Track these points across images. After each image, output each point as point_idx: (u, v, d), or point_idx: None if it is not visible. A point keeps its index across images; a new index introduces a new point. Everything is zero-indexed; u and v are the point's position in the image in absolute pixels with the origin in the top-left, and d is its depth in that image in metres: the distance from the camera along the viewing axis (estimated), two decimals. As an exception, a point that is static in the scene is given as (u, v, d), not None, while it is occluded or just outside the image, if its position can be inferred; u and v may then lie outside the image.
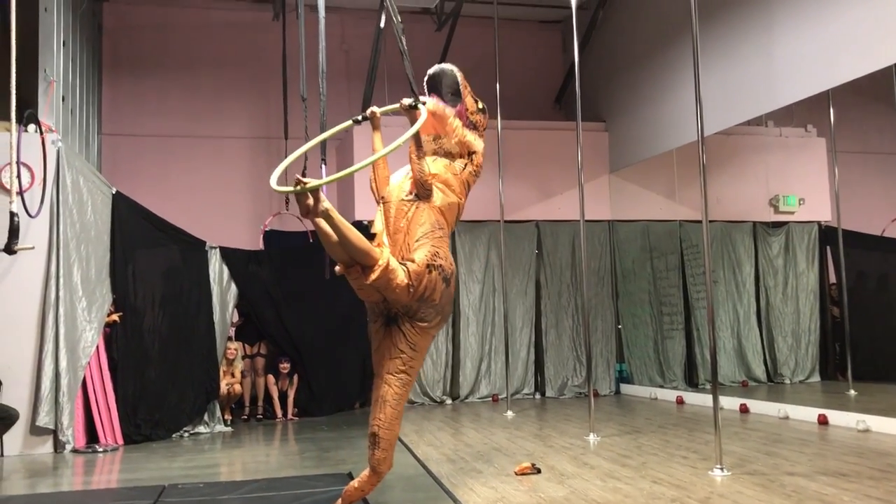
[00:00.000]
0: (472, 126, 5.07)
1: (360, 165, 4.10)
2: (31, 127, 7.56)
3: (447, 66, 5.13)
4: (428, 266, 4.43)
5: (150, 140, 11.49)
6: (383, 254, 4.31)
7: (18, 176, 6.93)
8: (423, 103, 4.79)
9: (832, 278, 11.40)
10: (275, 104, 11.50)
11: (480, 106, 5.16)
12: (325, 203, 4.07)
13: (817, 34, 7.62)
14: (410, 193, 4.69)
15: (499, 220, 9.81)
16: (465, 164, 5.00)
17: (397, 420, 4.58)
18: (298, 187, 3.94)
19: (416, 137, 4.67)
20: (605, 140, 11.69)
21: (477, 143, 5.07)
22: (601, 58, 11.99)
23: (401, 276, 4.30)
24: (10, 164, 6.85)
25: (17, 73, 6.39)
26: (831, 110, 10.36)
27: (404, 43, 4.87)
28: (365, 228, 4.76)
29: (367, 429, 4.56)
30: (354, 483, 4.64)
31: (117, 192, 8.67)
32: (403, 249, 4.52)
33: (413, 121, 4.76)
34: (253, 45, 11.96)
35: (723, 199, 11.07)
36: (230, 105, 11.90)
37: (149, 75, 11.67)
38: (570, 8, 8.31)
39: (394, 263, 4.31)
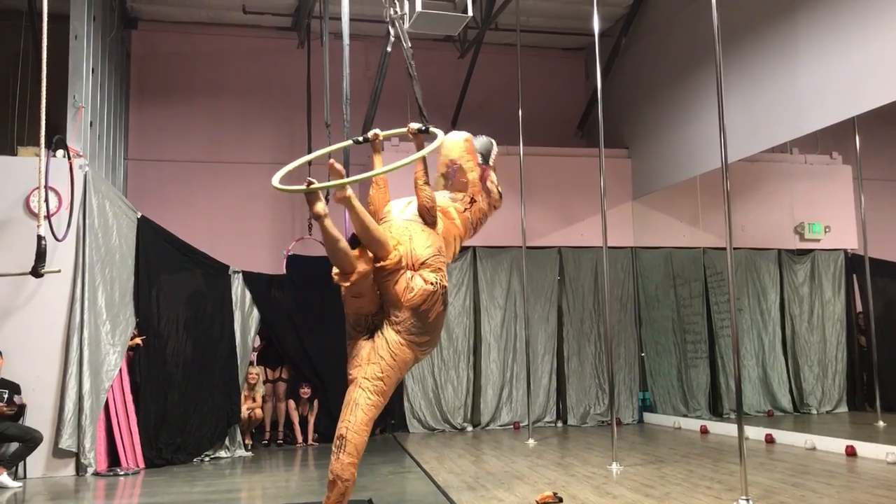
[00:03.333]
0: (486, 191, 5.21)
1: (370, 174, 4.34)
2: (60, 152, 7.68)
3: (485, 137, 5.34)
4: (442, 288, 4.66)
5: (174, 165, 11.62)
6: (400, 249, 4.52)
7: (46, 200, 7.02)
8: (428, 129, 4.88)
9: (859, 307, 11.24)
10: (299, 130, 11.60)
11: (500, 189, 5.37)
12: (349, 190, 4.30)
13: (842, 61, 7.58)
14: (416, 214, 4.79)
15: (521, 246, 9.79)
16: (467, 207, 5.10)
17: (367, 427, 4.54)
18: (306, 187, 4.19)
19: (424, 164, 4.75)
20: (628, 167, 11.66)
21: (483, 200, 5.19)
22: (624, 85, 12.01)
23: (404, 279, 4.50)
24: (38, 188, 6.95)
25: (46, 99, 6.50)
26: (857, 137, 10.28)
27: (413, 68, 4.96)
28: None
29: (334, 435, 4.55)
30: None
31: (142, 216, 8.76)
32: (407, 267, 4.64)
33: (420, 146, 4.84)
34: (278, 72, 12.10)
35: (747, 226, 10.99)
36: (254, 131, 12.02)
37: (175, 101, 11.84)
38: (592, 35, 8.34)
39: (404, 263, 4.52)
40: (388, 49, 5.18)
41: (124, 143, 11.35)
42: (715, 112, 6.38)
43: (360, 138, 5.08)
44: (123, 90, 11.32)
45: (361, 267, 4.45)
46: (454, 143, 5.14)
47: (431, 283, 4.59)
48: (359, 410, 4.51)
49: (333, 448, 4.51)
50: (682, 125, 10.30)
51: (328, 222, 4.33)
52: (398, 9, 5.11)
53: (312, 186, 4.19)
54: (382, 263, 4.45)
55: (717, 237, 10.58)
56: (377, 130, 5.02)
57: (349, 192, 4.31)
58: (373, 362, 4.59)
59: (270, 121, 12.08)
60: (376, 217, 4.86)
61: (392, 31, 5.16)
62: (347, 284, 4.47)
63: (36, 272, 6.87)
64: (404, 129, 5.02)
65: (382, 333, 4.64)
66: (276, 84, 12.09)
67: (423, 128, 4.88)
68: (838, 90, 7.65)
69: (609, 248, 7.95)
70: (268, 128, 12.07)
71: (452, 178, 5.12)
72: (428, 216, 4.78)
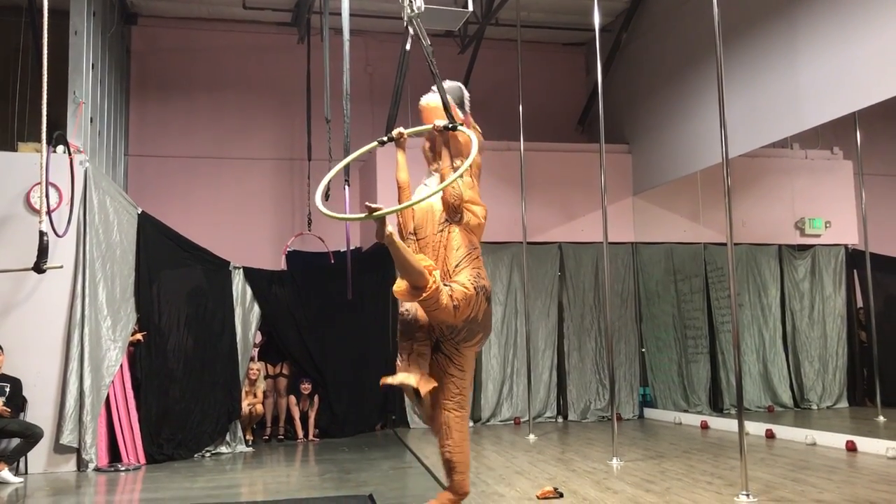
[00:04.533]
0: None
1: (426, 196, 4.27)
2: (60, 148, 7.68)
3: (454, 82, 5.19)
4: (476, 289, 4.56)
5: (175, 161, 11.63)
6: (435, 276, 4.43)
7: (47, 196, 7.02)
8: (456, 126, 4.76)
9: (859, 302, 11.23)
10: (299, 126, 11.61)
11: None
12: (389, 227, 4.25)
13: (843, 56, 7.57)
14: (443, 217, 4.70)
15: (521, 242, 9.80)
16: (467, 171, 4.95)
17: (465, 441, 4.74)
18: (366, 214, 4.12)
19: (452, 160, 4.72)
20: (629, 162, 11.65)
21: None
22: (624, 80, 11.99)
23: (445, 298, 4.41)
24: (39, 184, 6.95)
25: (47, 95, 6.50)
26: (858, 132, 10.27)
27: (435, 66, 4.87)
28: None
29: (439, 457, 4.77)
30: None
31: (143, 212, 8.76)
32: (443, 274, 4.60)
33: (447, 142, 4.77)
34: (278, 68, 12.09)
35: (748, 221, 10.98)
36: (255, 126, 12.02)
37: (175, 97, 11.84)
38: (593, 30, 8.33)
39: (441, 285, 4.44)
40: (408, 47, 5.17)
41: (125, 139, 11.35)
42: (715, 107, 6.38)
43: (385, 138, 5.02)
44: (124, 86, 11.32)
45: (433, 282, 4.38)
46: (438, 107, 4.97)
47: (467, 288, 4.52)
48: (453, 432, 4.70)
49: (446, 471, 4.76)
50: (683, 120, 10.29)
51: (398, 240, 4.29)
52: (416, 6, 5.04)
53: (376, 214, 4.11)
54: (426, 294, 4.34)
55: (717, 232, 10.57)
56: (402, 129, 4.97)
57: (390, 228, 4.24)
58: (447, 383, 4.71)
59: (271, 116, 12.09)
60: (406, 228, 4.85)
61: (411, 30, 5.07)
62: (421, 298, 4.40)
63: (38, 268, 6.88)
64: (429, 127, 4.91)
65: (444, 353, 4.73)
66: (277, 79, 12.09)
67: (450, 125, 4.80)
68: (839, 85, 7.64)
69: (609, 243, 7.95)
70: (268, 123, 12.08)
71: (446, 144, 4.93)
72: (452, 213, 4.74)
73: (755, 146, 9.03)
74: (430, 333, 4.71)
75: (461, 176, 4.55)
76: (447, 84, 5.02)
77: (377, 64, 12.16)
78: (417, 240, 4.76)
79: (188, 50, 11.97)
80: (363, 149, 5.15)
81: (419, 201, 4.58)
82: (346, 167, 7.96)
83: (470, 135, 4.65)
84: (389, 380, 4.53)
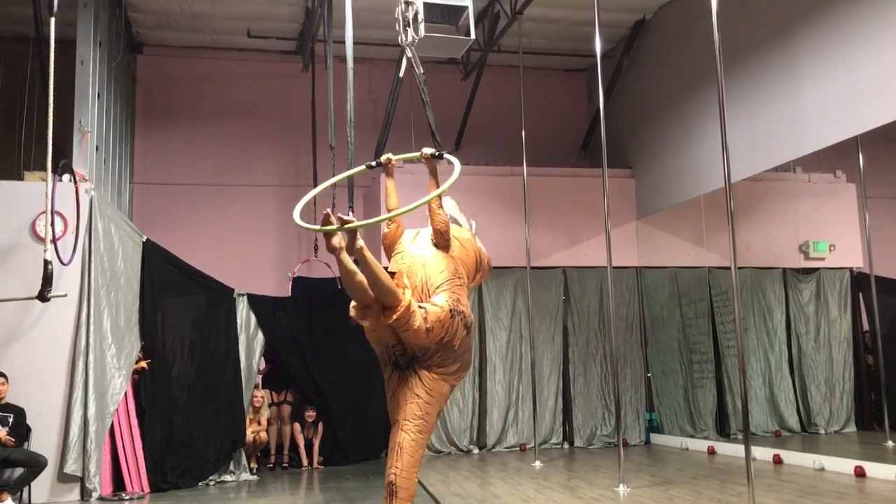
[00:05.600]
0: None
1: (387, 216, 4.22)
2: (66, 176, 7.72)
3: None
4: (451, 311, 4.46)
5: (180, 188, 11.68)
6: (406, 295, 4.34)
7: (52, 224, 7.05)
8: (442, 154, 4.82)
9: (865, 325, 11.19)
10: (304, 153, 11.67)
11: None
12: (360, 241, 4.16)
13: (844, 80, 7.61)
14: (432, 241, 4.72)
15: (525, 267, 9.80)
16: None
17: (415, 468, 4.50)
18: (332, 226, 4.04)
19: (436, 184, 4.74)
20: (632, 186, 11.68)
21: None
22: (626, 105, 12.05)
23: (419, 320, 4.30)
24: (44, 212, 6.98)
25: (53, 124, 6.55)
26: (860, 155, 10.28)
27: (426, 94, 4.92)
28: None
29: (384, 479, 4.48)
30: None
31: (147, 239, 8.79)
32: (423, 295, 4.53)
33: (433, 170, 4.81)
34: (282, 96, 12.17)
35: (752, 245, 10.97)
36: (260, 154, 12.08)
37: (180, 125, 11.92)
38: (594, 56, 8.39)
39: (414, 306, 4.34)
40: (401, 74, 5.21)
41: (130, 167, 11.41)
42: (717, 132, 6.40)
43: (374, 163, 5.05)
44: (129, 114, 11.40)
45: (405, 300, 4.32)
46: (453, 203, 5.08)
47: (441, 308, 4.44)
48: (404, 454, 4.46)
49: (385, 495, 4.46)
50: (685, 145, 10.32)
51: (344, 256, 4.19)
52: (412, 35, 5.11)
53: (348, 226, 4.07)
54: (396, 315, 4.27)
55: (721, 256, 10.56)
56: (390, 155, 4.97)
57: (361, 242, 4.18)
58: (410, 402, 4.52)
59: (275, 144, 12.15)
60: (391, 251, 4.85)
61: (405, 58, 5.14)
62: (367, 325, 4.38)
63: (42, 297, 6.88)
64: (417, 154, 4.96)
65: (415, 371, 4.56)
66: (281, 107, 12.17)
67: (437, 153, 4.84)
68: (841, 109, 7.67)
69: (614, 268, 7.95)
70: (273, 151, 12.14)
71: (433, 174, 4.97)
72: (442, 240, 4.74)
73: (758, 170, 9.05)
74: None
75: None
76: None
77: (381, 91, 12.23)
78: (397, 254, 4.79)
79: (193, 78, 12.07)
80: (350, 171, 5.19)
81: (389, 217, 4.58)
82: (351, 193, 8.02)
83: (454, 162, 4.70)
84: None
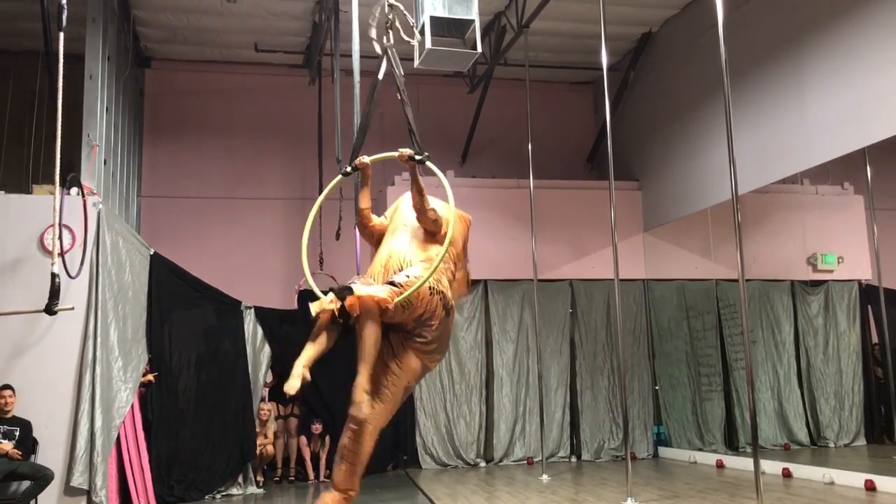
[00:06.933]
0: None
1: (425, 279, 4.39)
2: (74, 190, 7.75)
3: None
4: (430, 289, 4.47)
5: (187, 202, 11.72)
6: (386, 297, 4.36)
7: (60, 238, 7.07)
8: (427, 156, 4.81)
9: (875, 338, 11.13)
10: (310, 165, 11.69)
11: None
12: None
13: (851, 92, 7.60)
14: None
15: (532, 279, 9.79)
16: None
17: (371, 438, 4.59)
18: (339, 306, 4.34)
19: (419, 187, 4.72)
20: (639, 199, 11.67)
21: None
22: (633, 117, 12.06)
23: (384, 296, 4.32)
24: (52, 226, 7.00)
25: (61, 138, 6.58)
26: (868, 167, 10.26)
27: (405, 94, 4.93)
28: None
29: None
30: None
31: (155, 252, 8.81)
32: (404, 263, 4.62)
33: (414, 174, 4.78)
34: (289, 109, 12.22)
35: (759, 257, 10.94)
36: (266, 167, 12.12)
37: (188, 138, 11.97)
38: (601, 69, 8.40)
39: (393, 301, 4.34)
40: (380, 77, 5.24)
41: (138, 181, 11.46)
42: (724, 144, 6.40)
43: (348, 169, 5.01)
44: (137, 128, 11.46)
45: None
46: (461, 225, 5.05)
47: (417, 278, 4.42)
48: (362, 424, 4.48)
49: (336, 459, 4.64)
50: (692, 157, 10.31)
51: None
52: (392, 38, 5.18)
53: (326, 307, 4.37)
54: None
55: (729, 269, 10.52)
56: (364, 157, 4.96)
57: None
58: (381, 370, 4.54)
59: (282, 157, 12.18)
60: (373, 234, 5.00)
61: (385, 60, 5.17)
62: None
63: (50, 310, 6.89)
64: (394, 154, 4.93)
65: (388, 340, 4.56)
66: (288, 120, 12.21)
67: (418, 156, 4.81)
68: (848, 121, 7.66)
69: (621, 280, 7.93)
70: (279, 164, 12.17)
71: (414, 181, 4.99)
72: (435, 227, 4.78)
73: (765, 182, 9.04)
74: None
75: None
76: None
77: (387, 104, 12.17)
78: (387, 229, 4.94)
79: (201, 92, 12.13)
80: (328, 187, 5.20)
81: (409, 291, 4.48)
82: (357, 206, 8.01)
83: (440, 176, 4.74)
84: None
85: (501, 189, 11.19)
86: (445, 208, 4.82)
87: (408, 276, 4.46)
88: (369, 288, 4.39)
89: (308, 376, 4.44)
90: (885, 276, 10.33)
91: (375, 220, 5.11)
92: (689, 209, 10.47)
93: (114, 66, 9.48)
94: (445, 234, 4.65)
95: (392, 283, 4.43)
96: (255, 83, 12.26)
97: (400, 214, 5.03)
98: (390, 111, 12.10)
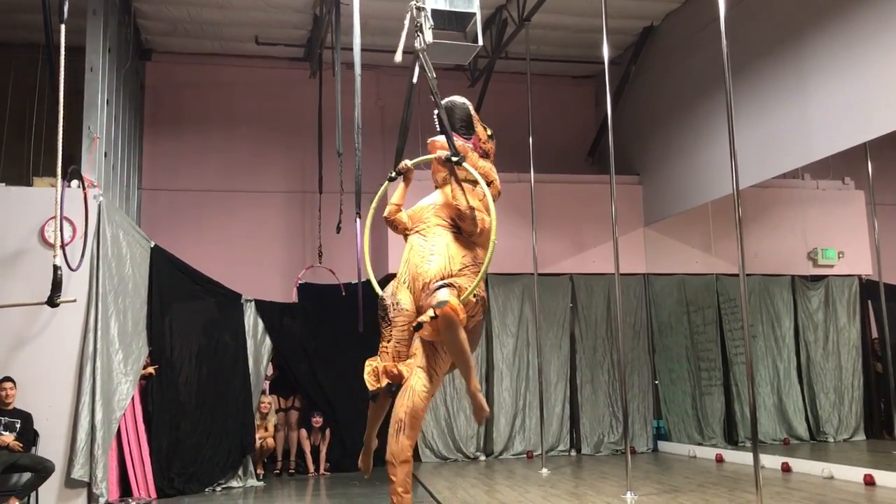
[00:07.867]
0: (485, 154, 5.35)
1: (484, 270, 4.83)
2: (75, 182, 7.75)
3: (458, 98, 5.39)
4: (475, 297, 4.85)
5: (188, 194, 11.71)
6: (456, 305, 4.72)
7: (61, 230, 7.07)
8: (463, 158, 4.96)
9: (874, 333, 11.13)
10: (310, 159, 11.68)
11: (489, 133, 5.47)
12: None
13: (853, 86, 7.59)
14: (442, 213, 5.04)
15: (532, 274, 9.79)
16: (484, 194, 5.13)
17: (422, 413, 4.87)
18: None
19: (456, 176, 4.90)
20: (639, 193, 11.66)
21: (493, 171, 5.37)
22: (634, 111, 12.04)
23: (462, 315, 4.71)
24: (53, 218, 7.00)
25: (62, 130, 6.58)
26: (869, 162, 10.24)
27: (439, 97, 5.02)
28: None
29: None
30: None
31: (156, 245, 8.81)
32: (444, 271, 4.86)
33: (454, 174, 4.96)
34: (290, 102, 12.20)
35: (760, 252, 10.94)
36: (267, 160, 12.11)
37: (188, 131, 11.96)
38: (602, 63, 8.39)
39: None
40: (414, 80, 5.28)
41: (138, 173, 11.45)
42: (725, 138, 6.39)
43: (394, 173, 5.34)
44: (138, 121, 11.45)
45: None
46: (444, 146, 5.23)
47: (462, 288, 4.80)
48: (415, 395, 4.78)
49: (393, 432, 4.78)
50: (693, 151, 10.30)
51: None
52: (424, 40, 5.26)
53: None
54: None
55: (729, 263, 10.53)
56: (407, 161, 5.28)
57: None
58: (427, 351, 4.88)
59: (282, 150, 12.17)
60: (408, 227, 5.20)
61: (418, 63, 5.30)
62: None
63: (52, 302, 6.90)
64: (433, 157, 5.19)
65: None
66: (288, 114, 12.20)
67: (454, 157, 4.99)
68: (849, 116, 7.65)
69: (621, 274, 7.93)
70: (280, 157, 12.16)
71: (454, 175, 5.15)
72: (470, 226, 5.02)
73: (766, 177, 9.03)
74: (412, 317, 4.93)
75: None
76: (456, 103, 5.23)
77: (388, 98, 12.25)
78: (414, 231, 5.12)
79: (201, 85, 12.11)
80: (379, 193, 5.41)
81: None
82: (358, 200, 8.02)
83: (481, 182, 5.03)
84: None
85: (502, 183, 11.11)
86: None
87: (452, 285, 4.80)
88: (451, 296, 4.72)
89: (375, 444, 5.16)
90: (886, 271, 10.32)
91: (402, 216, 5.33)
92: (689, 204, 10.46)
93: (114, 59, 9.47)
94: (475, 232, 5.01)
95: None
96: (255, 76, 12.25)
97: (420, 214, 5.25)
98: (389, 105, 12.17)
